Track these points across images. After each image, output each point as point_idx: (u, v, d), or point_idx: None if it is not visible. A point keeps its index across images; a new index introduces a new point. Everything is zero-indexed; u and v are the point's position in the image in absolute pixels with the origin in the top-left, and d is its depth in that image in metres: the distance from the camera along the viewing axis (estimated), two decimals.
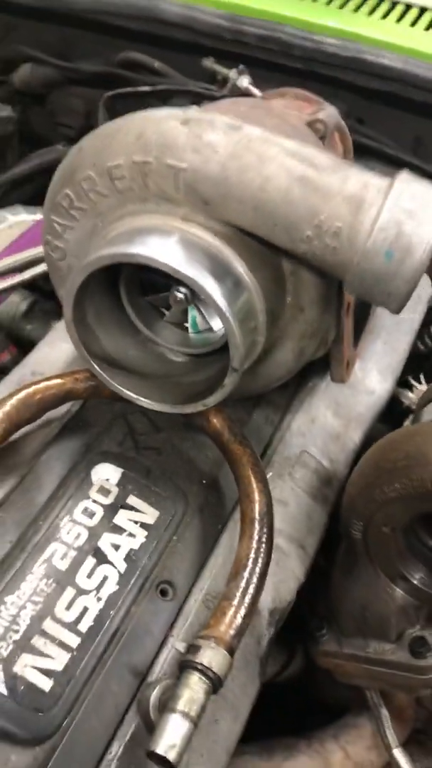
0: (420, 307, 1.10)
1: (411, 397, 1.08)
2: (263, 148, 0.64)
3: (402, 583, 0.86)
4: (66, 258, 0.77)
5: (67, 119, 1.44)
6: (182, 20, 1.21)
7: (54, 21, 1.34)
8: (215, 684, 0.63)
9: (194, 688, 0.62)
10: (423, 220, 0.61)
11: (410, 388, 1.09)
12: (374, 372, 0.99)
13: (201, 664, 0.63)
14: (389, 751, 0.88)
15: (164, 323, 0.82)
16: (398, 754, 0.87)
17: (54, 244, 0.77)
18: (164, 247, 0.66)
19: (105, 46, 1.33)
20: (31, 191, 1.39)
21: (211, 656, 0.63)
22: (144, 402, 0.76)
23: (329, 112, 0.91)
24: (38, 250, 1.13)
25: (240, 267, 0.68)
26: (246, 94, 1.20)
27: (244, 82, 1.20)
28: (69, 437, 0.82)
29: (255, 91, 1.19)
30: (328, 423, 0.94)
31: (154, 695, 0.65)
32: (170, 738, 0.59)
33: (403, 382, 1.09)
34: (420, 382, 1.09)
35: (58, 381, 0.79)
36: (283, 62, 1.20)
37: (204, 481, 0.83)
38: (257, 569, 0.71)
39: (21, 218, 1.34)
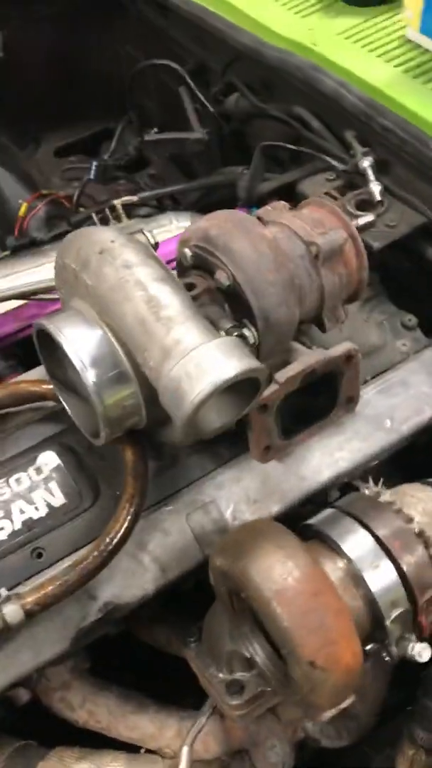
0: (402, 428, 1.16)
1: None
2: (132, 290, 0.85)
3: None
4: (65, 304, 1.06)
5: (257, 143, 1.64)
6: (333, 94, 1.33)
7: (259, 64, 1.53)
8: (6, 627, 0.94)
9: None
10: (195, 383, 0.78)
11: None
12: (314, 463, 1.11)
13: (1, 611, 0.94)
14: (181, 746, 1.10)
15: None
16: (185, 750, 1.09)
17: (60, 293, 1.06)
18: (73, 335, 0.91)
19: (291, 94, 1.50)
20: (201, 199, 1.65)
21: (11, 610, 0.93)
22: (75, 421, 1.03)
23: (331, 238, 1.03)
24: None
25: (128, 364, 0.91)
26: (362, 173, 1.30)
27: (365, 163, 1.30)
28: (44, 424, 1.13)
29: (370, 173, 1.29)
30: (251, 488, 1.11)
31: None
32: None
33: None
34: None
35: (38, 387, 1.10)
36: (399, 154, 1.27)
37: (118, 492, 1.09)
38: (83, 572, 0.97)
39: (183, 224, 1.60)
